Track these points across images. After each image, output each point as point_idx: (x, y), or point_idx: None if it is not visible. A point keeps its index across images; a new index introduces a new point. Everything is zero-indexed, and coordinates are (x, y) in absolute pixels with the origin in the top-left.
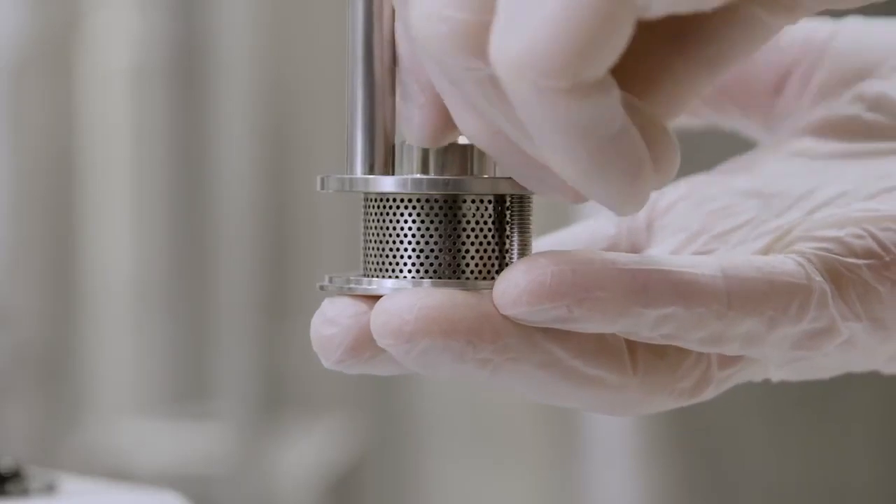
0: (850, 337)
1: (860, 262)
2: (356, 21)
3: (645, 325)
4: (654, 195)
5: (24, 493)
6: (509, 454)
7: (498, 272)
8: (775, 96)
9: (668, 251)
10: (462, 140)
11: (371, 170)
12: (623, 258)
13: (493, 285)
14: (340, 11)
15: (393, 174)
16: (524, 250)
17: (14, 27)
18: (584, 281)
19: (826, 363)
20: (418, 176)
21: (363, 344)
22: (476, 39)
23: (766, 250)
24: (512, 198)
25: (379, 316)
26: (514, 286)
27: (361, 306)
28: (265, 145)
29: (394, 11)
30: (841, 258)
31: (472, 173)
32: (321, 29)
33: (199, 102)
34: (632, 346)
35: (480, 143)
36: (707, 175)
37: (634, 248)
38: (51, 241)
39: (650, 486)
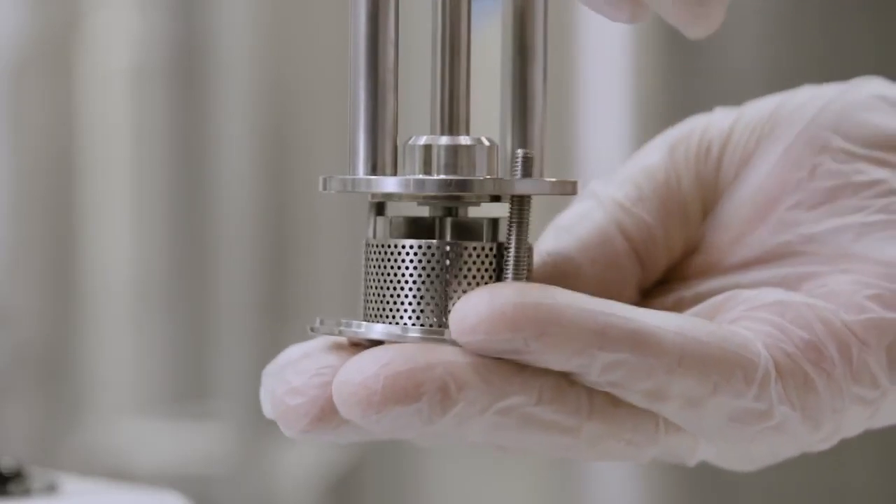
0: (781, 423)
1: (801, 353)
2: (359, 20)
3: (596, 368)
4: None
5: (26, 493)
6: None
7: None
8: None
9: None
10: (466, 140)
11: (374, 170)
12: (587, 300)
13: None
14: (340, 11)
15: (396, 175)
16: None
17: (14, 27)
18: (546, 316)
19: (755, 451)
20: (421, 176)
21: (330, 413)
22: None
23: (710, 312)
24: (513, 245)
25: (343, 387)
26: (474, 313)
27: (327, 375)
28: (265, 145)
29: (397, 9)
30: (783, 346)
31: (475, 174)
32: (321, 29)
33: (199, 102)
34: (590, 391)
35: None
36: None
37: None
38: (51, 241)
39: (650, 487)
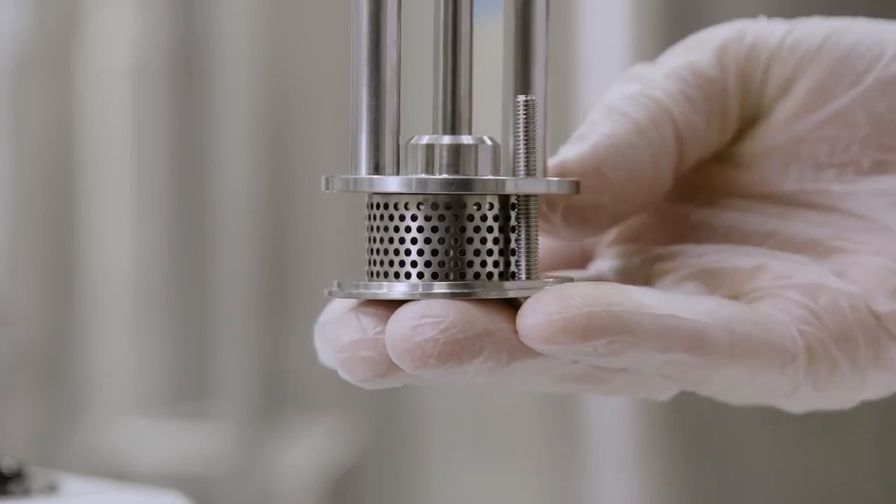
0: (802, 397)
1: (833, 340)
2: (361, 19)
3: (654, 365)
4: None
5: (27, 493)
6: (509, 454)
7: (504, 273)
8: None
9: (619, 256)
10: (468, 140)
11: (376, 170)
12: (647, 299)
13: (500, 287)
14: (341, 11)
15: (398, 174)
16: (531, 251)
17: (14, 27)
18: (617, 324)
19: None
20: (423, 176)
21: (393, 368)
22: None
23: (732, 283)
24: (518, 197)
25: (399, 344)
26: (547, 323)
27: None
28: (265, 145)
29: (399, 8)
30: (818, 334)
31: (477, 173)
32: (321, 29)
33: (199, 102)
34: None
35: None
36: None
37: (584, 247)
38: (51, 241)
39: (650, 487)
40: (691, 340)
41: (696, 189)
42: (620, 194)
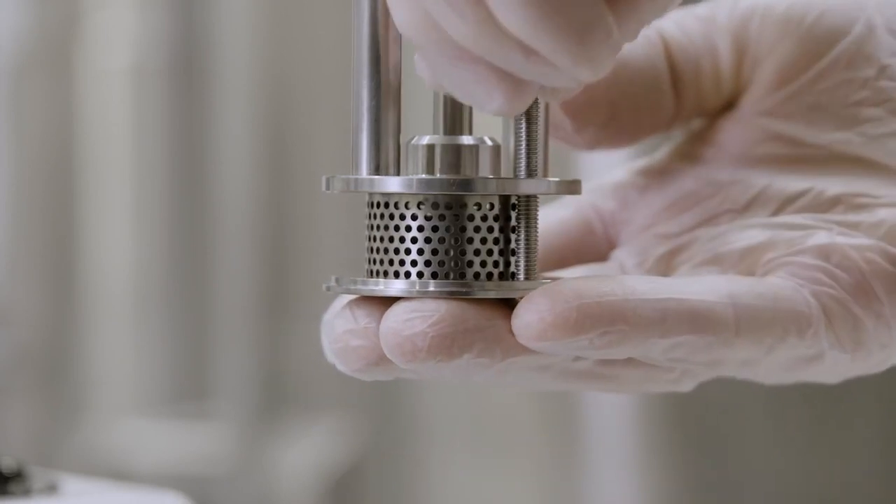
0: (832, 363)
1: (850, 296)
2: (361, 20)
3: (658, 351)
4: (611, 185)
5: (27, 493)
6: (510, 454)
7: (503, 274)
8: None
9: (640, 248)
10: (468, 140)
11: (377, 170)
12: (641, 285)
13: (499, 287)
14: (341, 11)
15: (399, 174)
16: (530, 252)
17: (14, 27)
18: (609, 314)
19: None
20: (424, 176)
21: (385, 358)
22: None
23: (746, 261)
24: (518, 198)
25: (390, 338)
26: (538, 320)
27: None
28: (265, 145)
29: None
30: (832, 292)
31: (478, 174)
32: (321, 29)
33: (199, 102)
34: None
35: (413, 34)
36: (667, 157)
37: (609, 238)
38: (51, 242)
39: (650, 486)
40: (692, 320)
41: (717, 158)
42: (612, 79)
